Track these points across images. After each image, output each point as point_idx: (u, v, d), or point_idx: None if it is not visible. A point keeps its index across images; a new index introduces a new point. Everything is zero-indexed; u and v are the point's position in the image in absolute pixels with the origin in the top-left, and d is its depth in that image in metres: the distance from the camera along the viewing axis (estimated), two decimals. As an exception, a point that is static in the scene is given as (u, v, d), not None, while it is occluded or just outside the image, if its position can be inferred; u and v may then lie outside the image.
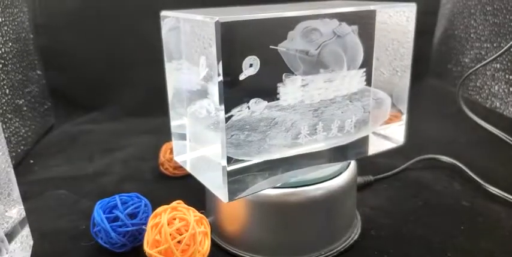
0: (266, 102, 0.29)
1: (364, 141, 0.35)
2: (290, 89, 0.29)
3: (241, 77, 0.27)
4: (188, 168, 0.36)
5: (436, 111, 0.66)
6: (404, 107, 0.37)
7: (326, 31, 0.30)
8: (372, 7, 0.32)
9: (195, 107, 0.31)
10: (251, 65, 0.27)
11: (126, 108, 0.70)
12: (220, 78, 0.26)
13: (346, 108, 0.32)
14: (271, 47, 0.28)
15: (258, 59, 0.27)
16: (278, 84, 0.29)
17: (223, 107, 0.27)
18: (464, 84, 0.65)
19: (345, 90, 0.32)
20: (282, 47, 0.28)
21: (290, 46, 0.28)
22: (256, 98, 0.28)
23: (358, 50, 0.32)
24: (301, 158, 0.32)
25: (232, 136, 0.28)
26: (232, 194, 0.30)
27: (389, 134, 0.37)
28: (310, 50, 0.29)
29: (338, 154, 0.34)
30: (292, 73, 0.29)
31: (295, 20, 0.28)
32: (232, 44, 0.26)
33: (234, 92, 0.27)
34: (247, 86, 0.27)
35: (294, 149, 0.31)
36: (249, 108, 0.28)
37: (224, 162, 0.28)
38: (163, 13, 0.32)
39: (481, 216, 0.40)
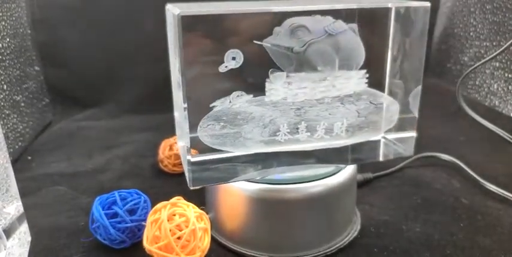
0: (249, 96, 0.29)
1: (373, 146, 0.34)
2: (275, 86, 0.29)
3: (221, 69, 0.27)
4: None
5: (436, 110, 0.66)
6: (416, 113, 0.34)
7: (315, 28, 0.29)
8: (379, 5, 0.30)
9: (177, 98, 0.32)
10: (234, 58, 0.27)
11: (125, 105, 0.70)
12: (181, 72, 0.27)
13: (335, 110, 0.31)
14: (254, 41, 0.28)
15: (240, 53, 0.27)
16: (267, 80, 0.29)
17: (186, 105, 0.28)
18: (463, 82, 0.65)
19: (336, 91, 0.31)
20: (266, 43, 0.28)
21: (274, 42, 0.28)
22: (240, 92, 0.28)
23: (356, 50, 0.30)
24: (291, 155, 0.32)
25: (208, 125, 0.29)
26: (197, 182, 0.31)
27: (400, 143, 0.35)
28: (295, 47, 0.29)
29: (337, 156, 0.33)
30: (281, 70, 0.29)
31: (281, 16, 0.28)
32: (204, 37, 0.27)
33: (217, 84, 0.28)
34: (236, 79, 0.28)
35: (273, 146, 0.31)
36: (230, 102, 0.28)
37: (188, 154, 0.30)
38: (168, 6, 0.32)
39: (480, 214, 0.40)
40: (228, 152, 0.30)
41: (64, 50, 0.68)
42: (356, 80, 0.31)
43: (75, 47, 0.69)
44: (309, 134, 0.31)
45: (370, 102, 0.32)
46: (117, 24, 0.69)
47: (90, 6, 0.67)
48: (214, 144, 0.30)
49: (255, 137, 0.30)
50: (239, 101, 0.29)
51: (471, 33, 0.67)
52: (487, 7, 0.63)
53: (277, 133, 0.31)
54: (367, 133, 0.33)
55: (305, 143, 0.32)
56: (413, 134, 0.35)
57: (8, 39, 0.54)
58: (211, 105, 0.28)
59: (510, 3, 0.58)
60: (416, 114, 0.34)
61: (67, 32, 0.68)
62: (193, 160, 0.30)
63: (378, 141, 0.35)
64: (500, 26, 0.60)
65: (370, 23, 0.30)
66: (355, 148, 0.34)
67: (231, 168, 0.31)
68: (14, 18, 0.56)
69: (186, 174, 0.31)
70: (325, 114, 0.31)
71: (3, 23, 0.53)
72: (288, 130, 0.31)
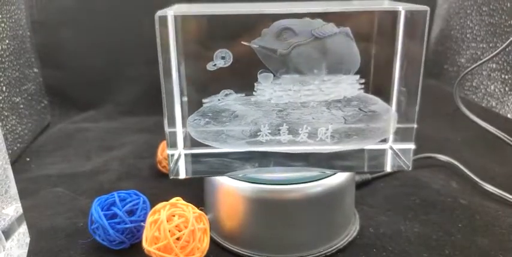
0: (238, 95, 0.30)
1: (378, 155, 0.34)
2: (262, 86, 0.30)
3: (209, 67, 0.28)
4: None
5: (433, 111, 0.66)
6: (414, 124, 0.33)
7: (302, 31, 0.29)
8: (389, 8, 0.30)
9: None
10: (223, 58, 0.28)
11: (123, 107, 0.70)
12: (161, 72, 0.28)
13: (319, 115, 0.31)
14: (242, 42, 0.28)
15: (229, 52, 0.28)
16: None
17: (164, 100, 0.30)
18: (460, 84, 0.66)
19: (323, 95, 0.30)
20: (253, 44, 0.28)
21: (261, 43, 0.29)
22: (228, 90, 0.29)
23: (348, 54, 0.30)
24: (282, 157, 0.32)
25: (194, 120, 0.30)
26: (177, 172, 0.33)
27: (401, 154, 0.34)
28: (278, 49, 0.29)
29: (334, 162, 0.33)
30: (270, 71, 0.29)
31: (268, 18, 0.28)
32: (193, 37, 0.28)
33: (207, 82, 0.29)
34: (226, 77, 0.29)
35: (255, 146, 0.31)
36: (219, 99, 0.30)
37: (170, 149, 0.32)
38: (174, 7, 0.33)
39: (478, 214, 0.40)
40: (213, 148, 0.32)
41: (63, 52, 0.68)
42: (346, 85, 0.31)
43: (74, 49, 0.69)
44: (291, 136, 0.31)
45: (360, 109, 0.32)
46: (115, 27, 0.69)
47: (88, 9, 0.67)
48: (199, 138, 0.31)
49: (237, 135, 0.31)
50: (226, 99, 0.30)
51: (468, 35, 0.68)
52: (484, 9, 0.64)
53: (258, 133, 0.31)
54: (356, 141, 0.32)
55: (288, 145, 0.32)
56: (411, 146, 0.33)
57: (7, 41, 0.54)
58: (203, 101, 0.30)
59: (506, 5, 0.59)
60: (415, 124, 0.33)
61: (66, 34, 0.68)
62: (172, 152, 0.32)
63: (385, 150, 0.34)
64: (497, 28, 0.61)
65: (356, 27, 0.30)
66: (357, 155, 0.34)
67: (217, 163, 0.32)
68: (13, 20, 0.56)
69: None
70: (308, 118, 0.31)
71: (3, 25, 0.53)
72: (269, 131, 0.31)
